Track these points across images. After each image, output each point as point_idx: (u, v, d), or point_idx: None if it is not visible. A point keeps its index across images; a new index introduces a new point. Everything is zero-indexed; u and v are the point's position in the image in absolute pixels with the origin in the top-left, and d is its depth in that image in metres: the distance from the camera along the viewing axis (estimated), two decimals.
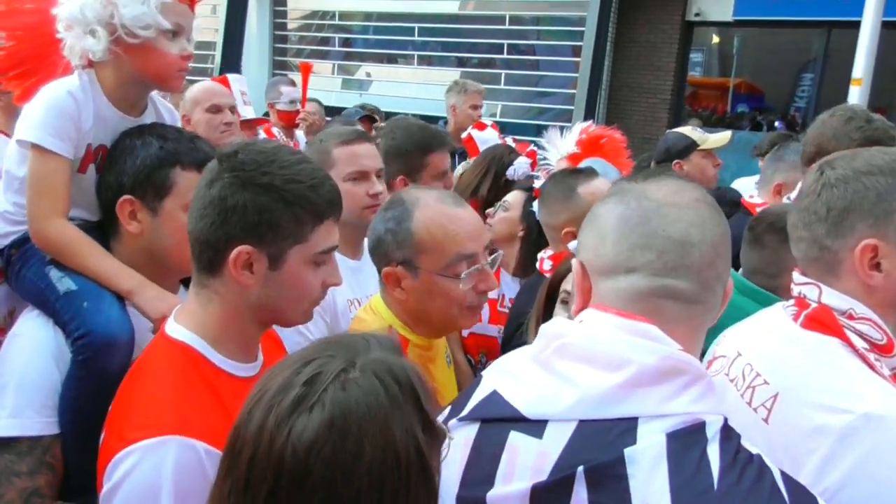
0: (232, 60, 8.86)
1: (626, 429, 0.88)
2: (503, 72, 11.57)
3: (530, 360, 1.02)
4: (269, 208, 1.19)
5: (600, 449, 0.88)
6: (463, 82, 4.56)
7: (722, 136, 3.16)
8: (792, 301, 1.31)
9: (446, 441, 0.90)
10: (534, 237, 2.43)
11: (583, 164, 3.09)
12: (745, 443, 0.91)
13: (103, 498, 1.12)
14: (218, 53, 9.54)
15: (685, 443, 0.86)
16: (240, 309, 1.25)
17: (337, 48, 13.25)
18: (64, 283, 1.46)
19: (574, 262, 1.06)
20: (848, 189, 1.19)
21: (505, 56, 11.53)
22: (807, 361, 1.19)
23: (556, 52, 11.15)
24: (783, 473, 0.90)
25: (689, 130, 3.19)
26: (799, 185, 2.28)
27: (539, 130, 11.84)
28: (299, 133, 4.54)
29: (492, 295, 2.51)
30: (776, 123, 11.75)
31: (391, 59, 12.88)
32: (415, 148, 2.47)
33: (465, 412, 1.02)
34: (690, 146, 3.11)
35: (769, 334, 1.30)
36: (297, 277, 1.25)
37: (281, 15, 13.53)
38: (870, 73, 4.65)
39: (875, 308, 1.18)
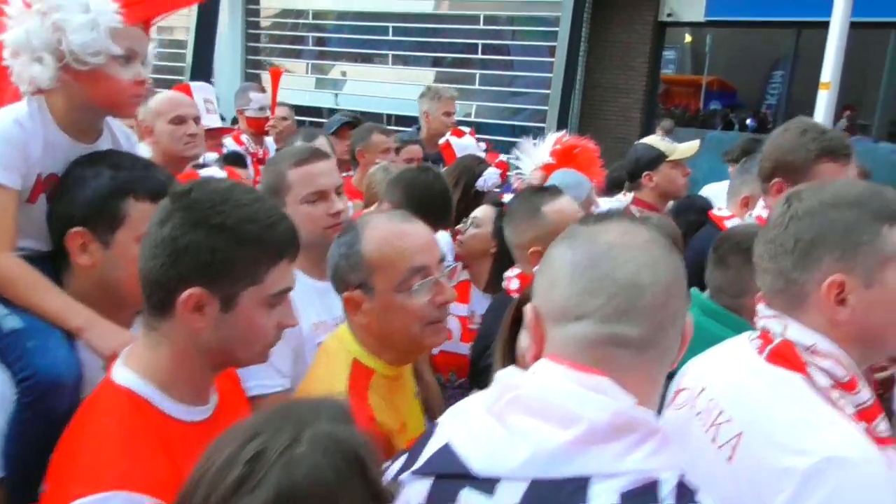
0: (204, 60, 8.74)
1: (577, 488, 0.85)
2: (478, 72, 11.56)
3: (485, 410, 0.99)
4: (222, 249, 1.16)
5: None
6: (436, 88, 4.52)
7: (690, 146, 3.16)
8: (757, 332, 1.30)
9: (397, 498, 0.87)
10: (506, 253, 2.41)
11: (556, 174, 3.08)
12: (701, 497, 0.89)
13: None
14: (189, 53, 9.42)
15: (638, 503, 0.84)
16: (190, 352, 1.21)
17: (311, 47, 13.15)
18: (9, 321, 1.40)
19: (528, 308, 1.04)
20: (815, 222, 1.18)
21: (479, 56, 11.52)
22: (770, 399, 1.18)
23: (530, 52, 11.16)
24: None
25: (658, 141, 3.20)
26: (761, 202, 2.30)
27: (514, 130, 11.91)
28: (269, 140, 4.47)
29: (462, 312, 2.50)
30: (748, 121, 11.90)
31: (366, 59, 12.81)
32: None
33: (418, 465, 0.99)
34: (659, 157, 3.11)
35: (734, 366, 1.29)
36: (250, 320, 1.21)
37: (253, 14, 13.39)
38: (838, 77, 4.70)
39: (839, 342, 1.18)
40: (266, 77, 6.50)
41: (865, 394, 1.17)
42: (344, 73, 13.14)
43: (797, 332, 1.20)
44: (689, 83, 12.57)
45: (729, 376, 1.28)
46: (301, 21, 13.22)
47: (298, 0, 13.09)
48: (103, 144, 1.61)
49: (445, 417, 1.10)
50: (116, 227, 1.46)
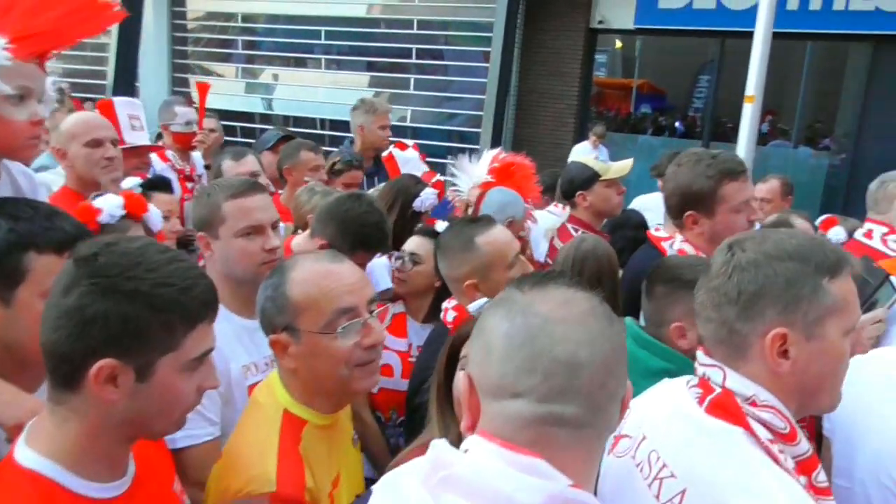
0: (128, 65, 8.37)
1: None
2: (413, 76, 11.49)
3: (420, 483, 0.94)
4: (134, 317, 1.07)
5: None
6: (370, 101, 4.44)
7: (623, 166, 3.18)
8: (696, 380, 1.29)
9: None
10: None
11: (492, 192, 3.05)
12: None
13: None
14: (112, 56, 9.00)
15: None
16: (103, 427, 1.11)
17: (240, 51, 12.80)
18: None
19: (462, 375, 0.99)
20: (759, 273, 1.18)
21: (414, 60, 11.45)
22: (713, 455, 1.16)
23: (465, 57, 11.16)
24: None
25: (591, 161, 3.21)
26: (679, 236, 2.31)
27: (449, 135, 11.88)
28: (196, 155, 4.29)
29: (401, 347, 2.43)
30: (676, 124, 12.23)
31: (298, 63, 12.56)
32: None
33: None
34: (592, 177, 3.12)
35: (675, 419, 1.27)
36: (168, 388, 1.13)
37: (180, 16, 12.95)
38: (761, 90, 4.83)
39: (778, 394, 1.18)
40: (195, 83, 6.28)
41: (804, 445, 1.18)
42: (276, 77, 12.86)
43: (737, 383, 1.20)
44: (620, 86, 12.82)
45: (670, 428, 1.26)
46: (230, 24, 12.87)
47: (226, 3, 12.73)
48: (2, 190, 1.48)
49: (379, 487, 1.05)
50: (17, 284, 1.33)
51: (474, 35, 10.93)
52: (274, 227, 2.00)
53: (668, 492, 1.18)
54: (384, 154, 4.01)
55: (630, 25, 10.18)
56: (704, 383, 1.26)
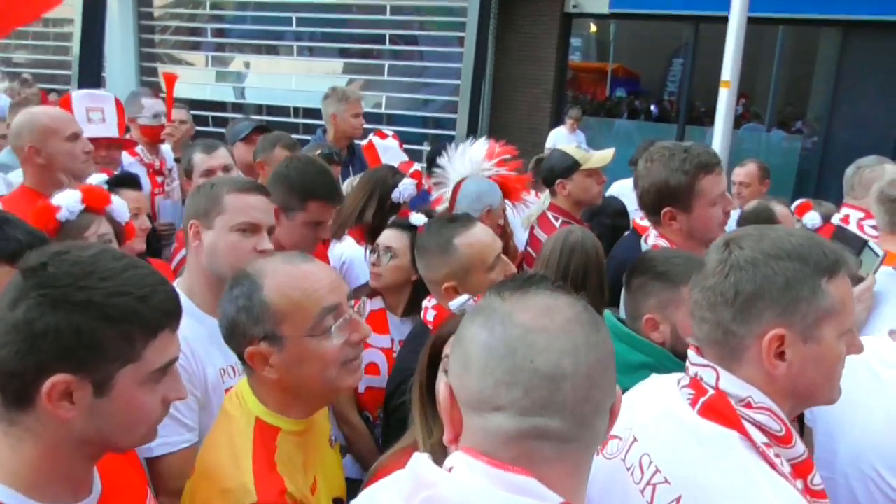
0: (92, 54, 8.12)
1: None
2: (387, 62, 11.35)
3: (400, 503, 0.89)
4: (88, 329, 1.00)
5: None
6: (342, 90, 4.34)
7: (604, 156, 3.13)
8: (687, 380, 1.25)
9: None
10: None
11: (469, 181, 2.97)
12: None
13: None
14: (76, 45, 8.72)
15: None
16: (60, 446, 1.04)
17: (210, 39, 12.53)
18: None
19: (442, 385, 0.94)
20: (757, 273, 1.14)
21: (388, 46, 11.31)
22: (708, 460, 1.12)
23: (439, 43, 11.04)
24: None
25: (573, 149, 3.15)
26: (653, 231, 2.26)
27: (425, 122, 11.76)
28: (165, 148, 4.16)
29: (385, 344, 2.37)
30: (651, 108, 12.26)
31: (270, 50, 12.34)
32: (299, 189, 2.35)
33: None
34: (573, 166, 3.06)
35: (667, 421, 1.23)
36: (130, 402, 1.06)
37: (146, 3, 12.63)
38: (737, 76, 4.79)
39: (773, 396, 1.15)
40: (162, 72, 6.12)
41: (800, 447, 1.14)
42: (247, 65, 12.62)
43: (731, 384, 1.16)
44: (595, 70, 12.79)
45: (663, 431, 1.22)
46: (199, 11, 12.58)
47: None
48: None
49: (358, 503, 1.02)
50: None
51: (448, 20, 10.81)
52: (270, 231, 1.96)
53: (662, 498, 1.14)
54: (364, 142, 3.92)
55: (605, 10, 10.15)
56: (696, 384, 1.21)
